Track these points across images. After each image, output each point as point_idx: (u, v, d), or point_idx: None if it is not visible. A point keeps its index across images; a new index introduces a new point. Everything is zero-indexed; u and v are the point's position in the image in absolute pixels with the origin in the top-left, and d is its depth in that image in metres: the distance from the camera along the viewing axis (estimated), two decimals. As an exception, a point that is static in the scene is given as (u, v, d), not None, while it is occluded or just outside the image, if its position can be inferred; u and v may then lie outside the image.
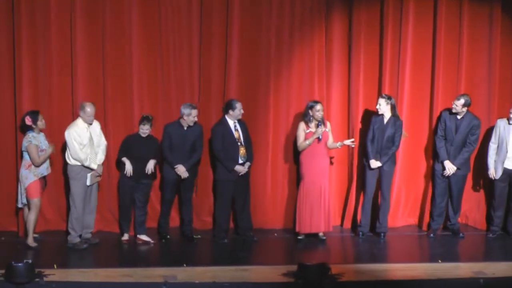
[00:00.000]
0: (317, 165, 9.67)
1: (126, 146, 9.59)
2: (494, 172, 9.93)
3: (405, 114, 10.31)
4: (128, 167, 9.47)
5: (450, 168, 9.80)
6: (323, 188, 9.67)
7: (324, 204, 9.68)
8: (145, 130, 9.51)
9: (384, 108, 9.72)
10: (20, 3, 9.61)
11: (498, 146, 9.92)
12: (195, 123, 9.61)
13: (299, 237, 9.81)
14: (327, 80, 10.35)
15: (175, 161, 9.56)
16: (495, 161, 9.93)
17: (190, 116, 9.51)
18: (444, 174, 9.85)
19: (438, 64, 10.29)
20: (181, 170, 9.57)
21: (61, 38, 9.80)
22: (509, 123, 9.83)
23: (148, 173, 9.53)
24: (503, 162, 9.85)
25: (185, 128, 9.59)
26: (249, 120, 9.99)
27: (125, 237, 9.73)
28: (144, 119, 9.51)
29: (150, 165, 9.53)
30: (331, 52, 10.34)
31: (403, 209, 10.60)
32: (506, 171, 9.88)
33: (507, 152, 9.82)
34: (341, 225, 10.51)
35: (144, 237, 9.66)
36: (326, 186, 9.72)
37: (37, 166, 9.16)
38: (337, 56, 10.36)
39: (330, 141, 9.78)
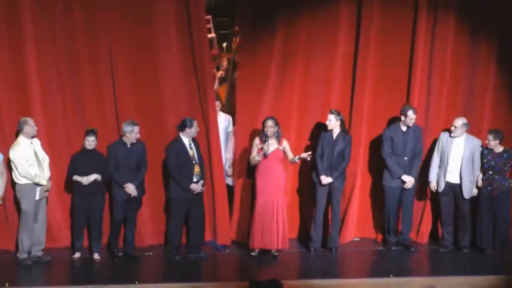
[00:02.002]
0: (270, 182, 9.73)
1: (74, 164, 9.58)
2: (436, 185, 10.05)
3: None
4: (83, 179, 9.49)
5: (410, 181, 9.92)
6: (277, 204, 9.72)
7: (278, 220, 9.72)
8: (90, 141, 9.56)
9: (333, 123, 9.82)
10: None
11: (440, 159, 10.04)
12: (137, 140, 9.67)
13: (252, 253, 9.86)
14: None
15: (124, 180, 9.58)
16: (437, 174, 10.04)
17: (132, 133, 9.56)
18: (405, 187, 9.94)
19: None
20: (131, 189, 9.58)
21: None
22: (450, 136, 9.96)
23: (85, 184, 9.50)
24: (445, 175, 9.97)
25: (129, 146, 9.64)
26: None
27: (77, 255, 9.72)
28: (90, 132, 9.58)
29: (91, 177, 9.53)
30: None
31: (355, 224, 10.67)
32: (448, 185, 9.99)
33: (448, 165, 9.95)
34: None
35: (97, 255, 9.69)
36: (280, 202, 9.76)
37: None
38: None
39: (290, 157, 9.85)
